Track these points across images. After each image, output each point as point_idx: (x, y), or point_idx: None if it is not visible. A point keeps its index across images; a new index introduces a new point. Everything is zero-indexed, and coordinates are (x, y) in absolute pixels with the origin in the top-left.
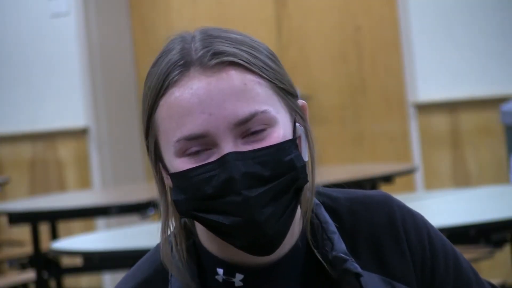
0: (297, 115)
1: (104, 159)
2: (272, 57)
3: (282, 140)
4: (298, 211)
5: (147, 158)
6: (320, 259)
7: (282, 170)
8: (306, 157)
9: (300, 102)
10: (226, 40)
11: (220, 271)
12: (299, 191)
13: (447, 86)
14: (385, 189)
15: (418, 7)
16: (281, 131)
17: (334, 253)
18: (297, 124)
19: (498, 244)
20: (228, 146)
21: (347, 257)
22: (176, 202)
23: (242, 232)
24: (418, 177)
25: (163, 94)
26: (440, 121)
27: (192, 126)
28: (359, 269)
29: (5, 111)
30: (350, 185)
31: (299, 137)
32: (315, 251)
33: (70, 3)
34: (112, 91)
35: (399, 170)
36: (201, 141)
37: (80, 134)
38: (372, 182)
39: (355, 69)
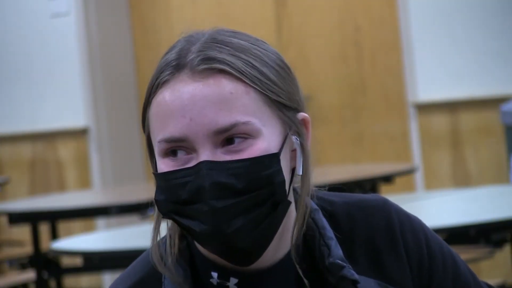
0: (291, 129)
1: (104, 159)
2: (279, 68)
3: (263, 154)
4: (294, 216)
5: (147, 158)
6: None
7: (257, 184)
8: (300, 170)
9: (301, 115)
10: (227, 46)
11: (215, 274)
12: (276, 205)
13: (447, 86)
14: (385, 189)
15: (418, 7)
16: (264, 144)
17: (331, 259)
18: (293, 137)
19: (498, 244)
20: (205, 153)
21: (344, 264)
22: (157, 201)
23: (212, 241)
24: (418, 177)
25: (154, 92)
26: (440, 121)
27: (173, 129)
28: (356, 276)
29: (5, 111)
30: (350, 185)
31: (294, 150)
32: (312, 252)
33: (70, 3)
34: (112, 91)
35: (399, 170)
36: (181, 145)
37: (80, 134)
38: (372, 182)
39: (355, 69)
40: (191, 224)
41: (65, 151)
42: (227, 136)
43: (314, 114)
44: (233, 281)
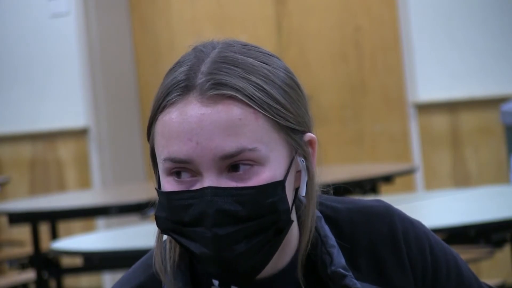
0: (297, 152)
1: (104, 159)
2: (288, 88)
3: (269, 181)
4: (296, 228)
5: (147, 158)
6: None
7: (261, 212)
8: (303, 191)
9: (308, 136)
10: (237, 67)
11: (216, 282)
12: (280, 231)
13: (447, 86)
14: (385, 189)
15: (418, 7)
16: (270, 172)
17: (333, 267)
18: (299, 158)
19: (498, 244)
20: (210, 178)
21: (346, 273)
22: (157, 217)
23: (211, 264)
24: (418, 177)
25: (161, 110)
26: (440, 121)
27: (179, 151)
28: (358, 285)
29: (5, 111)
30: (350, 185)
31: (299, 171)
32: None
33: (70, 3)
34: (112, 91)
35: (399, 170)
36: (186, 166)
37: (80, 134)
38: (372, 182)
39: (355, 69)
40: (191, 245)
41: (65, 151)
42: (233, 162)
43: (314, 114)
44: None
